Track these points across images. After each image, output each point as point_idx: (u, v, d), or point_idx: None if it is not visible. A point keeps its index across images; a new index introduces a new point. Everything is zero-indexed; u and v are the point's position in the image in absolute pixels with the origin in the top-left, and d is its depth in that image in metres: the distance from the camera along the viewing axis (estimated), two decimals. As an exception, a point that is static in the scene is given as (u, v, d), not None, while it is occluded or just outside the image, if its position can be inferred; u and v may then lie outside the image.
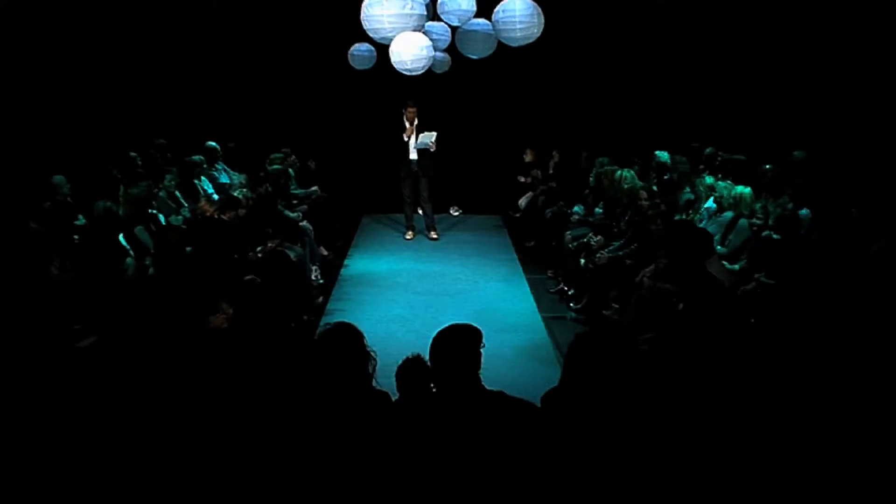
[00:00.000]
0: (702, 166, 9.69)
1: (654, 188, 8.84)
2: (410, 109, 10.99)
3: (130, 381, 4.96)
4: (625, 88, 12.66)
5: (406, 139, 11.04)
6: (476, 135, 13.37)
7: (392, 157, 11.36)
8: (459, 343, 3.86)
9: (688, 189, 8.69)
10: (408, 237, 11.63)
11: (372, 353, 3.92)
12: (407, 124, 11.09)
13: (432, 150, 10.99)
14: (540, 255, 10.42)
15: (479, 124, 13.35)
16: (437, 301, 8.82)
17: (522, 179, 12.00)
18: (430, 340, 3.90)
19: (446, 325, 3.98)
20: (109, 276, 6.51)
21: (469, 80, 12.52)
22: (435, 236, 11.52)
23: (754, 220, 7.32)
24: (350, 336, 3.90)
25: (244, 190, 8.84)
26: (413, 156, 11.14)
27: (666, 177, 9.14)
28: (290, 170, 11.13)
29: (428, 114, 11.25)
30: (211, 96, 12.44)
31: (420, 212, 11.99)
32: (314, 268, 9.36)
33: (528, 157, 12.22)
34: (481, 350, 3.89)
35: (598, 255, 8.05)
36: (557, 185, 11.32)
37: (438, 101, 11.32)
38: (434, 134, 10.98)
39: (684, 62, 11.86)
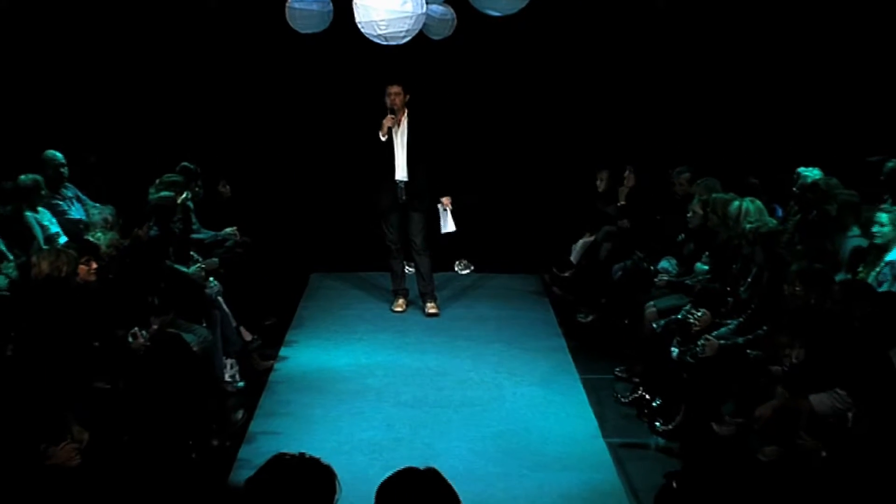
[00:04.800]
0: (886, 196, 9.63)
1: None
2: (393, 90, 10.99)
3: None
4: (739, 73, 12.72)
5: (383, 138, 11.02)
6: (497, 143, 13.37)
7: (366, 175, 11.38)
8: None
9: (856, 229, 8.62)
10: (397, 309, 11.63)
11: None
12: (389, 117, 11.03)
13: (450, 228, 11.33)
14: (604, 341, 10.38)
15: (502, 126, 13.36)
16: (435, 417, 8.76)
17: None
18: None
19: (420, 467, 3.89)
20: None
21: (486, 52, 12.60)
22: (433, 310, 11.48)
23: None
24: (315, 480, 3.84)
25: (110, 232, 8.77)
26: (401, 174, 11.17)
27: (815, 211, 9.10)
28: (190, 200, 11.06)
29: (419, 106, 11.31)
30: (54, 77, 12.48)
31: (409, 269, 11.96)
32: (229, 362, 9.28)
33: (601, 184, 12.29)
34: None
35: (701, 340, 7.96)
36: (632, 224, 11.32)
37: (434, 88, 11.37)
38: (447, 210, 11.23)
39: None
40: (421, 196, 11.24)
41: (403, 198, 11.19)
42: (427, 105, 11.33)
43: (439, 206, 11.28)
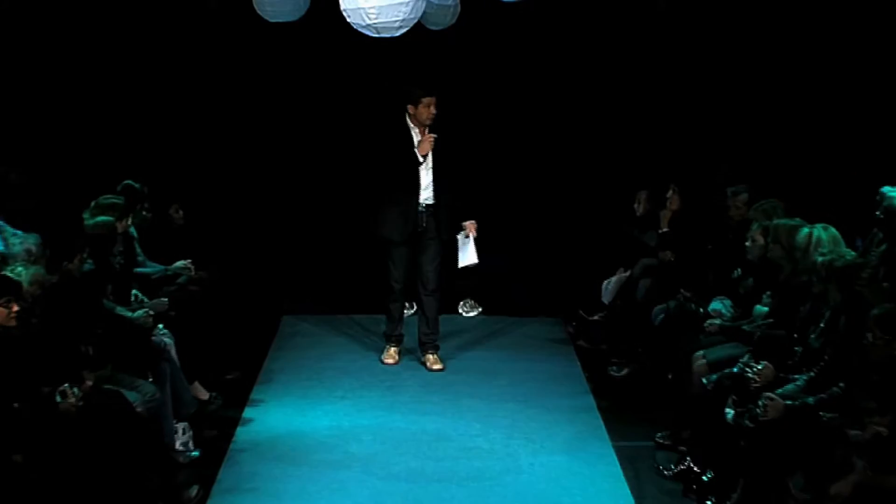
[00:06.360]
0: None
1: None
2: (426, 101, 11.05)
3: None
4: (809, 72, 12.75)
5: (422, 160, 11.15)
6: (508, 157, 13.38)
7: (376, 199, 11.38)
8: None
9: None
10: (388, 360, 11.67)
11: None
12: (416, 135, 11.15)
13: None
14: (642, 400, 10.42)
15: (514, 135, 13.37)
16: (434, 494, 8.75)
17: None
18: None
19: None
20: None
21: (494, 46, 12.63)
22: (438, 366, 11.53)
23: None
24: None
25: (34, 266, 8.73)
26: (426, 196, 11.25)
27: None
28: (133, 227, 11.03)
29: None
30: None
31: (409, 310, 12.00)
32: (181, 426, 9.27)
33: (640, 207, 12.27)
34: None
35: (762, 399, 7.90)
36: (677, 256, 11.35)
37: (436, 89, 11.35)
38: (470, 237, 11.30)
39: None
40: (441, 222, 11.33)
41: (423, 225, 11.25)
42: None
43: (460, 234, 11.35)
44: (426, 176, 11.19)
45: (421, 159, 11.11)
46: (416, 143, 11.11)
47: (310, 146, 13.38)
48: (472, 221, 11.34)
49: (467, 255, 11.33)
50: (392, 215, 11.27)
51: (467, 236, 11.32)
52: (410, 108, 11.08)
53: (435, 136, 11.05)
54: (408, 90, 11.11)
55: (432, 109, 11.04)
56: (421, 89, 11.06)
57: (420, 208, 11.22)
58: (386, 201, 11.29)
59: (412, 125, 11.14)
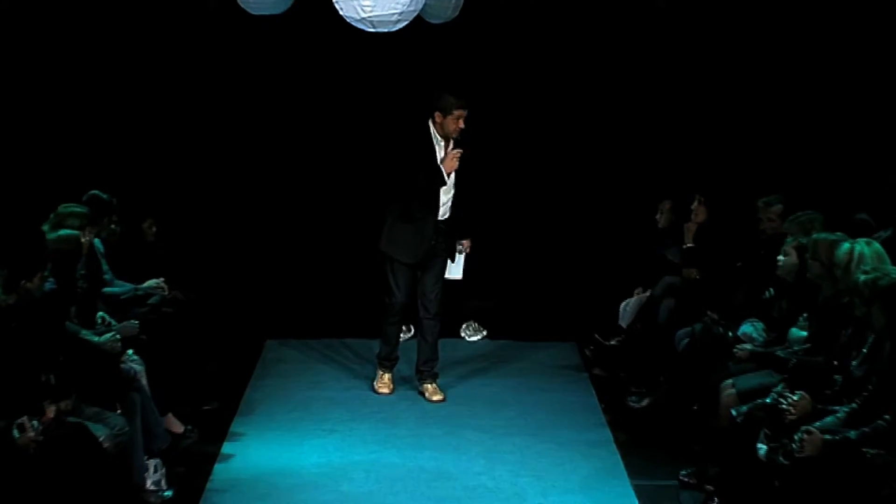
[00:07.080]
0: None
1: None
2: (458, 113, 10.98)
3: None
4: (849, 70, 12.74)
5: (447, 175, 11.09)
6: (515, 164, 13.38)
7: (390, 209, 11.35)
8: None
9: None
10: (381, 389, 11.67)
11: None
12: (440, 151, 11.11)
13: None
14: (664, 433, 10.38)
15: (521, 139, 13.37)
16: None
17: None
18: None
19: None
20: None
21: (499, 40, 12.62)
22: (438, 396, 11.53)
23: None
24: None
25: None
26: (442, 212, 11.26)
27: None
28: (100, 241, 11.00)
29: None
30: None
31: (406, 334, 12.02)
32: (153, 463, 9.23)
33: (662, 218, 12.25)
34: None
35: (798, 433, 7.86)
36: (703, 273, 11.35)
37: (432, 87, 11.34)
38: (464, 253, 11.44)
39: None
40: (446, 240, 11.39)
41: (433, 242, 11.26)
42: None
43: (458, 247, 11.43)
44: (445, 193, 11.18)
45: (447, 178, 11.07)
46: (438, 157, 11.09)
47: (297, 155, 13.35)
48: (468, 240, 11.42)
49: (455, 270, 11.38)
50: (407, 235, 11.24)
51: (462, 252, 11.36)
52: (438, 116, 11.00)
53: (461, 151, 10.99)
54: (439, 96, 11.00)
55: (461, 123, 10.98)
56: (455, 98, 10.97)
57: (436, 228, 11.24)
58: (400, 219, 11.24)
59: (436, 136, 11.09)
